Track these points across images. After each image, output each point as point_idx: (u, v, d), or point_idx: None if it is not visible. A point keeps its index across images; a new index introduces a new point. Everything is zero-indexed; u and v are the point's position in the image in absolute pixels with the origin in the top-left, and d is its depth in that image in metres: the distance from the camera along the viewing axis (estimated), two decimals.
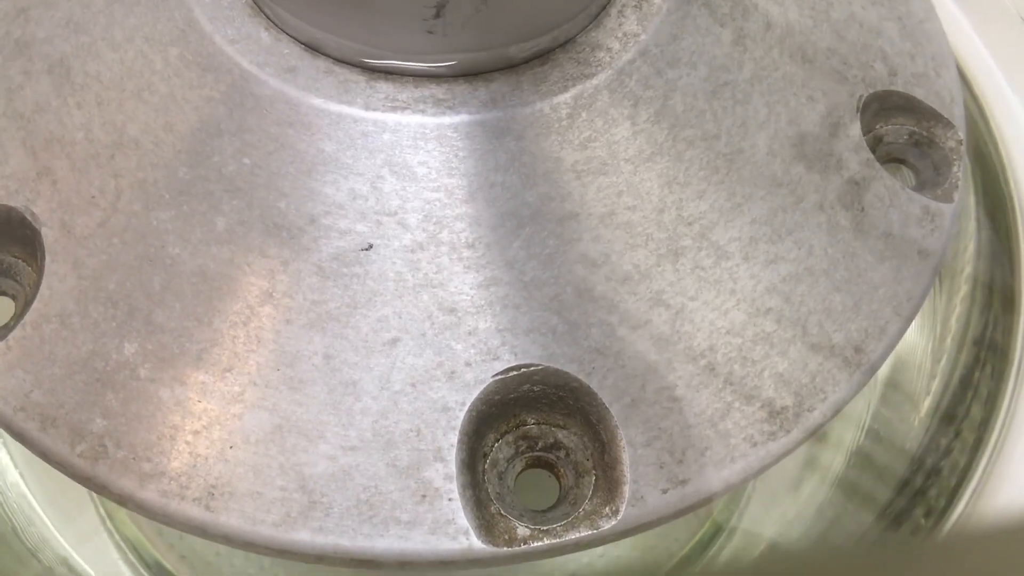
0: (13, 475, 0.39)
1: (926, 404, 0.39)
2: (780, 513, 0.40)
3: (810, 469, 0.40)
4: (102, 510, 0.40)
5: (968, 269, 0.40)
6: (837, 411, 0.26)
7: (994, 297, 0.39)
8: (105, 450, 0.24)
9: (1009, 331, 0.37)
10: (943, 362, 0.39)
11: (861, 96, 0.29)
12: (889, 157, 0.30)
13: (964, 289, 0.40)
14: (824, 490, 0.39)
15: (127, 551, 0.40)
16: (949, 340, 0.39)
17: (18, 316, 0.26)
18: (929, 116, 0.30)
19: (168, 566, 0.40)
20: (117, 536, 0.40)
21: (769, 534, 0.40)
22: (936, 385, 0.39)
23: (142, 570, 0.40)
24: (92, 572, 0.39)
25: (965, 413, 0.37)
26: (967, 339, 0.39)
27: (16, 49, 0.28)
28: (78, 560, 0.39)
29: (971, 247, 0.40)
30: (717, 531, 0.41)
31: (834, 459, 0.40)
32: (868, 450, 0.39)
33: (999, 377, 0.37)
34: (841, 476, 0.39)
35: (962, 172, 0.29)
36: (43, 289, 0.25)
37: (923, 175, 0.30)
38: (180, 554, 0.40)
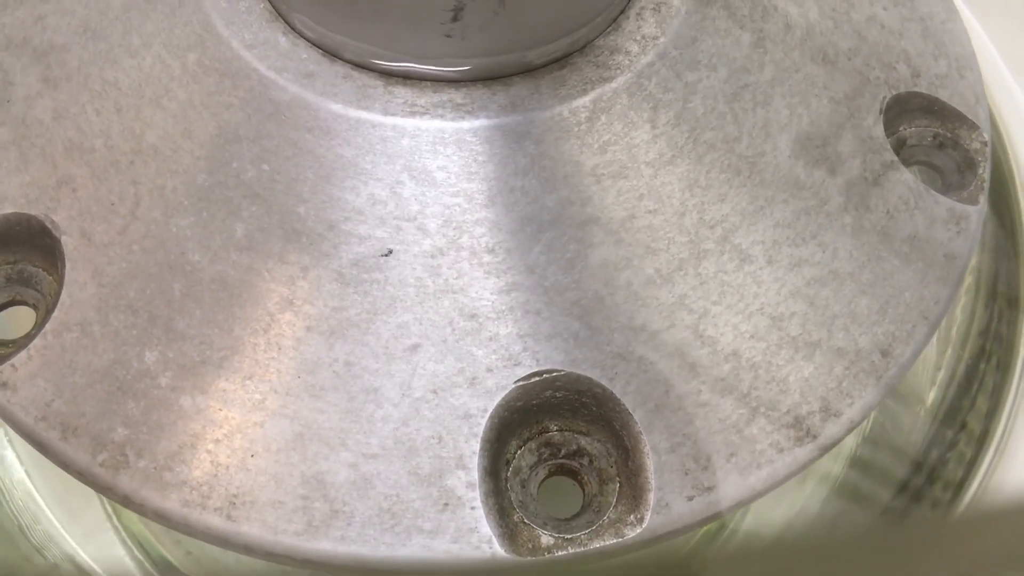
0: (19, 472, 0.39)
1: (931, 396, 0.39)
2: (786, 507, 0.40)
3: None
4: (108, 507, 0.40)
5: (973, 260, 0.40)
6: (865, 416, 0.26)
7: (998, 288, 0.39)
8: (126, 459, 0.24)
9: (1014, 322, 0.37)
10: (948, 353, 0.39)
11: (884, 98, 0.29)
12: (913, 159, 0.30)
13: (969, 280, 0.40)
14: (828, 484, 0.39)
15: (133, 547, 0.40)
16: (954, 331, 0.39)
17: (39, 325, 0.25)
18: (953, 117, 0.30)
19: (174, 561, 0.40)
20: (123, 533, 0.40)
21: (775, 528, 0.40)
22: (941, 376, 0.39)
23: (148, 566, 0.40)
24: (98, 569, 0.39)
25: (971, 405, 0.37)
26: (972, 330, 0.39)
27: (34, 56, 0.28)
28: (84, 557, 0.38)
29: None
30: (721, 527, 0.41)
31: (839, 452, 0.40)
32: (872, 444, 0.39)
33: (1004, 368, 0.37)
34: (846, 470, 0.39)
35: (988, 174, 0.29)
36: (63, 297, 0.25)
37: (948, 177, 0.30)
38: (186, 550, 0.40)
